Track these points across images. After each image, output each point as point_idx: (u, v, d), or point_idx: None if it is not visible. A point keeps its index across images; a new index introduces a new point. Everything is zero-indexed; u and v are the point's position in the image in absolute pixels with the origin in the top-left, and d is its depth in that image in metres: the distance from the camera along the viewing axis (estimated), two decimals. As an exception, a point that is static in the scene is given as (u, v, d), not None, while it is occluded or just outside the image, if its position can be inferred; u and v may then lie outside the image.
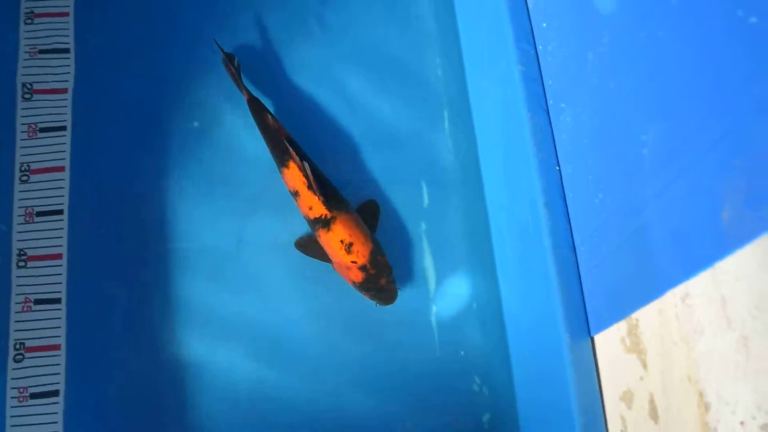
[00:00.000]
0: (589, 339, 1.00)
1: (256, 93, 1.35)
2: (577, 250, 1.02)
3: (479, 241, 1.31)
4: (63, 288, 1.27)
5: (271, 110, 1.34)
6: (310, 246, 1.32)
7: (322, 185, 1.27)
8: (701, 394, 0.78)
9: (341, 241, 1.24)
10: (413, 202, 1.36)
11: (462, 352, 1.28)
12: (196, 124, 1.37)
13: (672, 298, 0.82)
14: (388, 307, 1.26)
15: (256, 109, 1.34)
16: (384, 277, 1.25)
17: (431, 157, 1.38)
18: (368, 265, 1.24)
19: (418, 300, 1.30)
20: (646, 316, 0.87)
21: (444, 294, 1.31)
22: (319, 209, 1.25)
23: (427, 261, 1.33)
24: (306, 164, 1.24)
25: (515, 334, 1.21)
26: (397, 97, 1.40)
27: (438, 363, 1.27)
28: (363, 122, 1.39)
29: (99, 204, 1.32)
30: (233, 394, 1.25)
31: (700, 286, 0.80)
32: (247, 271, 1.32)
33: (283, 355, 1.27)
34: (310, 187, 1.24)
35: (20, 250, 1.28)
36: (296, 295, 1.31)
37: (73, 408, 1.22)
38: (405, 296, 1.30)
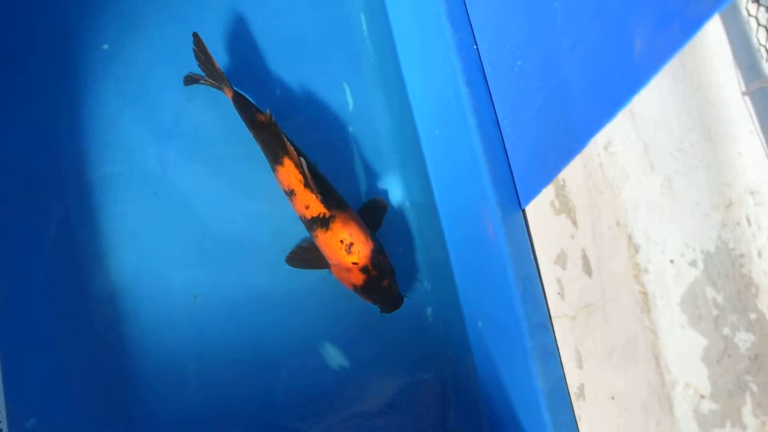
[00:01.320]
0: (521, 212, 1.00)
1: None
2: (501, 124, 1.02)
3: (407, 136, 1.29)
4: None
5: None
6: (301, 256, 1.25)
7: (319, 182, 1.20)
8: (630, 237, 0.78)
9: (341, 241, 1.17)
10: (339, 107, 1.33)
11: (400, 249, 1.28)
12: (105, 46, 1.31)
13: (595, 148, 0.82)
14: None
15: (243, 104, 1.25)
16: (387, 278, 1.19)
17: (352, 62, 1.35)
18: (370, 266, 1.18)
19: (352, 203, 1.28)
20: (572, 173, 0.87)
21: (378, 193, 1.30)
22: (317, 208, 1.18)
23: (357, 164, 1.31)
24: (303, 160, 1.17)
25: (450, 224, 1.21)
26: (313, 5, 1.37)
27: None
28: (284, 36, 1.35)
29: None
30: (172, 318, 1.22)
31: (621, 134, 0.80)
32: (177, 189, 1.28)
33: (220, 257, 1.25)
34: (307, 184, 1.17)
35: None
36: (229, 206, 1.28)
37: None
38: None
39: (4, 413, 1.14)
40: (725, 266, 0.77)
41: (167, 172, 1.28)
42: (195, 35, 1.25)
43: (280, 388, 1.21)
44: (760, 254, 0.78)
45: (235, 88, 1.25)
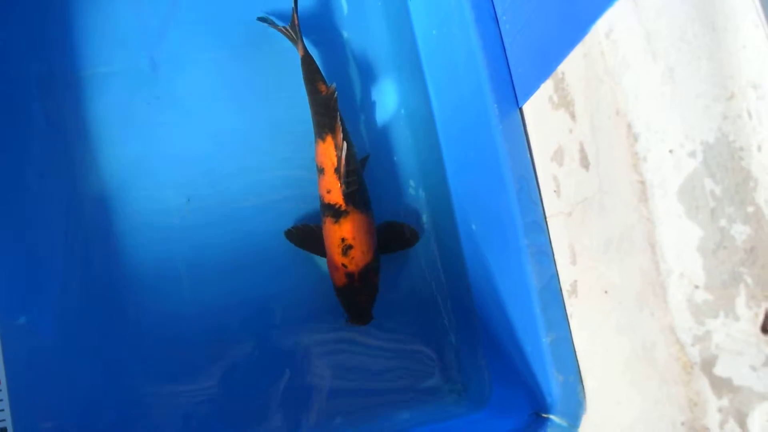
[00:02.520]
0: (518, 110, 0.98)
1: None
2: (500, 20, 0.99)
3: (403, 38, 1.26)
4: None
5: None
6: (302, 237, 1.21)
7: (352, 176, 1.15)
8: (629, 126, 0.77)
9: (342, 239, 1.14)
10: (333, 10, 1.30)
11: (395, 158, 1.26)
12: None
13: (596, 36, 0.80)
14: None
15: (310, 68, 1.20)
16: (366, 296, 1.16)
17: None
18: (356, 277, 1.14)
19: (347, 109, 1.26)
20: (572, 65, 0.86)
21: (372, 101, 1.28)
22: (336, 197, 1.14)
23: (352, 70, 1.28)
24: (345, 145, 1.13)
25: (446, 128, 1.19)
26: None
27: (371, 169, 1.25)
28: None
29: None
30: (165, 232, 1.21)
31: (623, 21, 0.78)
32: (168, 91, 1.25)
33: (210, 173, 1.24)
34: (337, 170, 1.13)
35: None
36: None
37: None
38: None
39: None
40: (724, 158, 0.76)
41: (160, 73, 1.25)
42: None
43: (270, 289, 1.21)
44: (759, 148, 0.76)
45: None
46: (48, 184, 1.20)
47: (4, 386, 1.13)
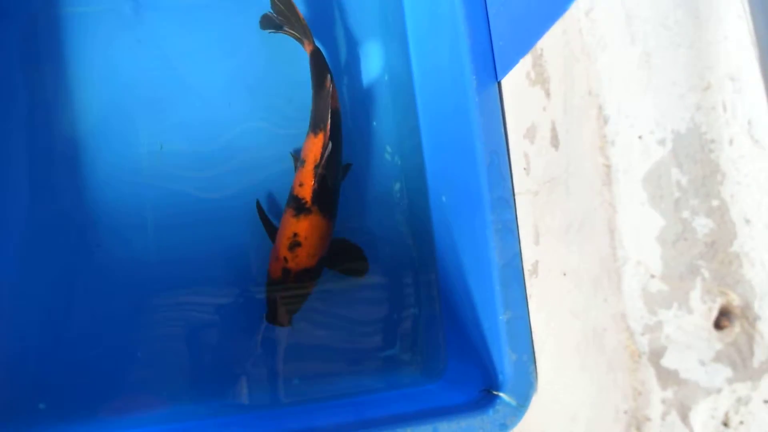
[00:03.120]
0: (496, 84, 0.97)
1: None
2: (486, -10, 0.98)
3: (391, 4, 1.24)
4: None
5: None
6: (266, 218, 1.20)
7: (329, 180, 1.13)
8: (600, 108, 0.76)
9: (294, 234, 1.12)
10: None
11: (374, 123, 1.25)
12: None
13: (576, 12, 0.78)
14: (298, 75, 1.22)
15: (318, 62, 1.18)
16: (293, 299, 1.14)
17: None
18: (292, 275, 1.12)
19: (332, 70, 1.24)
20: (551, 41, 0.84)
21: (357, 64, 1.26)
22: (306, 192, 1.11)
23: (338, 31, 1.26)
24: (330, 147, 1.11)
25: (425, 97, 1.18)
26: None
27: (349, 133, 1.23)
28: None
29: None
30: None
31: (604, 0, 0.77)
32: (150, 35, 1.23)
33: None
34: (316, 167, 1.11)
35: None
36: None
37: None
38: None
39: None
40: (694, 149, 0.75)
41: (143, 15, 1.23)
42: None
43: (235, 246, 1.20)
44: (731, 142, 0.75)
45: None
46: (21, 119, 1.18)
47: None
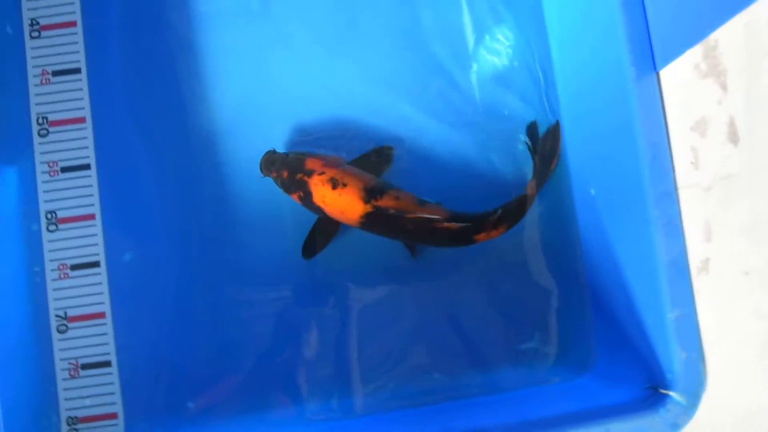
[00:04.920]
0: (655, 74, 0.94)
1: None
2: (644, -24, 0.94)
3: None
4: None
5: None
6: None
7: None
8: (795, 104, 0.73)
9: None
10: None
11: (506, 112, 1.22)
12: None
13: (764, 5, 0.75)
14: (429, 60, 1.21)
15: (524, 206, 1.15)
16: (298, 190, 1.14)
17: None
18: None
19: (458, 57, 1.22)
20: (728, 33, 0.80)
21: (485, 50, 1.23)
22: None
23: (465, 15, 1.23)
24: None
25: (568, 90, 1.15)
26: None
27: (480, 124, 1.21)
28: None
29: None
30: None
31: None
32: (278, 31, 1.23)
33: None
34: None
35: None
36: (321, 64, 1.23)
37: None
38: (444, 53, 1.22)
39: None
40: None
41: (272, 11, 1.23)
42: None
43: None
44: None
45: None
46: (158, 120, 1.20)
47: (109, 320, 1.16)
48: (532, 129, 1.19)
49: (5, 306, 1.11)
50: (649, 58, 0.93)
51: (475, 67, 1.23)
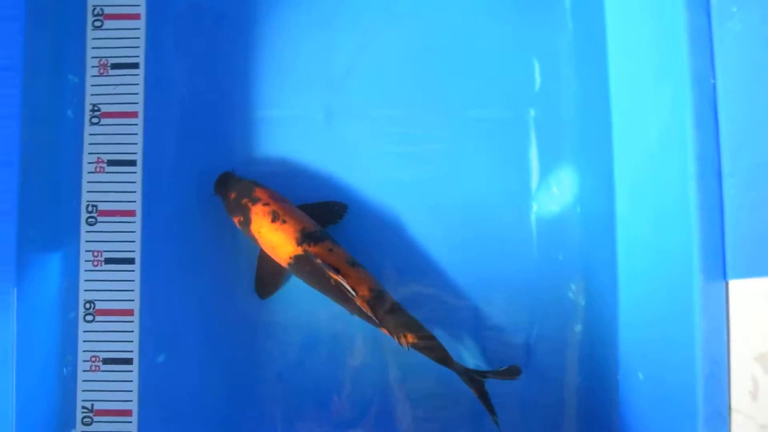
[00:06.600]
0: (724, 284, 0.89)
1: None
2: (724, 181, 0.89)
3: (596, 136, 1.16)
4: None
5: None
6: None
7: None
8: None
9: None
10: (523, 83, 1.21)
11: (560, 256, 1.18)
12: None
13: None
14: (487, 198, 1.20)
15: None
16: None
17: (545, 34, 1.22)
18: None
19: (519, 194, 1.20)
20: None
21: (547, 190, 1.19)
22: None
23: (531, 151, 1.20)
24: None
25: (627, 251, 1.10)
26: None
27: (534, 263, 1.19)
28: None
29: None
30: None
31: None
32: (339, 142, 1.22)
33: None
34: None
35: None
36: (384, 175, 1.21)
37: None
38: (505, 188, 1.20)
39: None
40: None
41: (335, 123, 1.22)
42: None
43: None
44: None
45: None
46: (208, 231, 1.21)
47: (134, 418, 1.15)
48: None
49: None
50: (720, 266, 0.89)
51: (535, 207, 1.20)
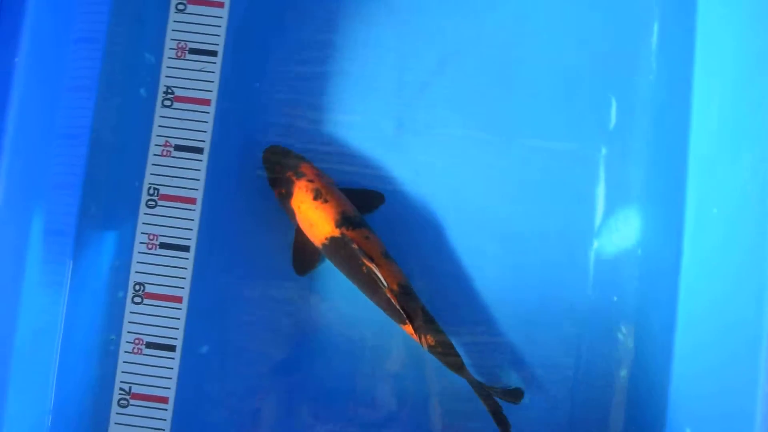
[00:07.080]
0: (790, 350, 0.88)
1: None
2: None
3: (667, 182, 1.15)
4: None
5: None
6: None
7: None
8: None
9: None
10: (598, 121, 1.20)
11: (615, 297, 1.17)
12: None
13: None
14: (547, 229, 1.18)
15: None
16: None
17: (627, 73, 1.20)
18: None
19: (580, 231, 1.18)
20: None
21: (610, 230, 1.18)
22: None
23: (599, 189, 1.18)
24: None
25: (686, 301, 1.09)
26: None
27: (586, 300, 1.17)
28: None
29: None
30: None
31: None
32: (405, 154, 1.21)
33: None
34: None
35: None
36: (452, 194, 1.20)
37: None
38: (567, 222, 1.19)
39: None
40: None
41: (403, 136, 1.21)
42: None
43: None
44: None
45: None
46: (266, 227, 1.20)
47: (170, 406, 1.15)
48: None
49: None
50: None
51: (596, 244, 1.18)
